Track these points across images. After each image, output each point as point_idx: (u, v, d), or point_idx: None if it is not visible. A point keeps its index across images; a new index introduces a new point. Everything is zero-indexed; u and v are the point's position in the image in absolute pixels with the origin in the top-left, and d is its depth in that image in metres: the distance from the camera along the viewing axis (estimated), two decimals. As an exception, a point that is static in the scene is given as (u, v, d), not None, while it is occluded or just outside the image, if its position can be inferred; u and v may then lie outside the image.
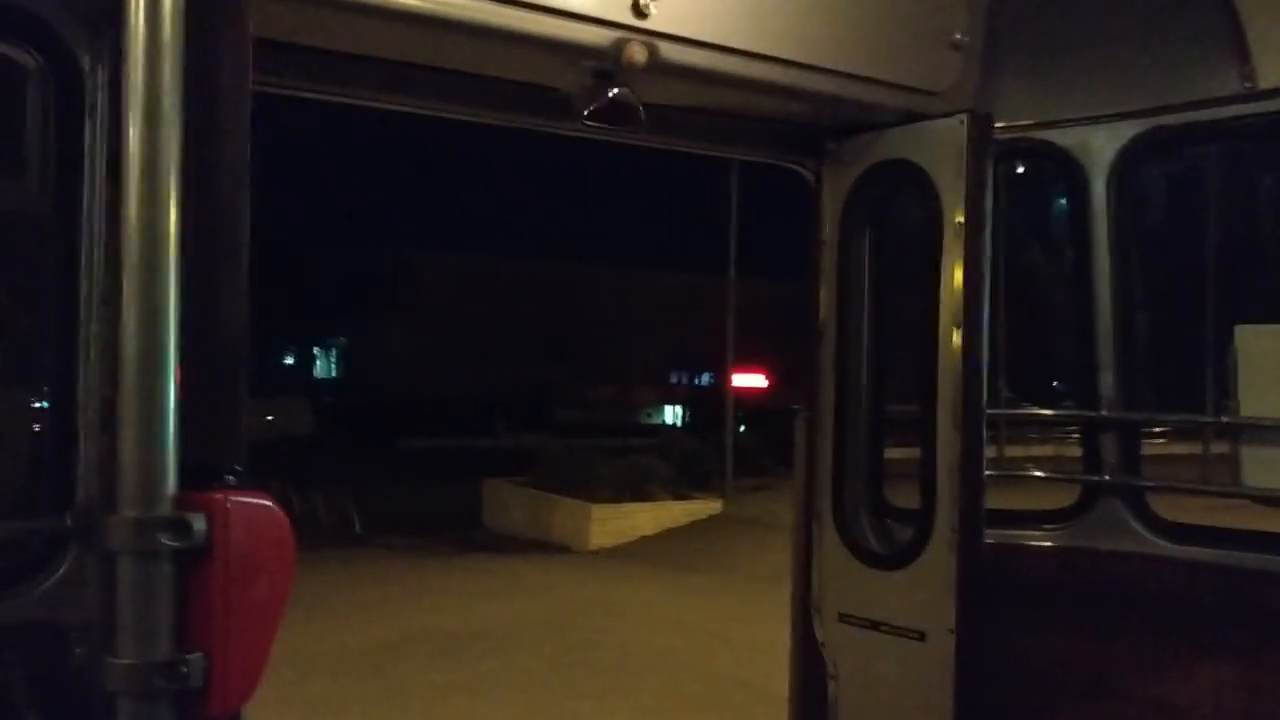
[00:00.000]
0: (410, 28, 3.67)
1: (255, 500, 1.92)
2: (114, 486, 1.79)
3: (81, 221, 3.46)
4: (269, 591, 1.88)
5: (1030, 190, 5.61)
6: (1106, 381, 4.83)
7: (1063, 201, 5.15)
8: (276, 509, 1.92)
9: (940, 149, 4.73)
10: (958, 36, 4.67)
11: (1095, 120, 4.84)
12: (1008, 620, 4.86)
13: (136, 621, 1.77)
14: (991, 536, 4.99)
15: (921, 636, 4.67)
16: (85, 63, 3.45)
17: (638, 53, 3.91)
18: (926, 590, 4.72)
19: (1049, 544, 4.95)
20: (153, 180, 1.82)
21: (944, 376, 4.74)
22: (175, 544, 1.77)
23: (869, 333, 5.08)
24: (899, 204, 5.23)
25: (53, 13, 3.39)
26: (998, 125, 5.01)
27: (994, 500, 5.34)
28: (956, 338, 4.70)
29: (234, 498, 1.86)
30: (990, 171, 4.78)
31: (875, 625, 4.81)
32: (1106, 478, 4.83)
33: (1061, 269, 5.38)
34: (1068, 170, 4.97)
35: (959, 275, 4.73)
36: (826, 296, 5.11)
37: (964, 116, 4.61)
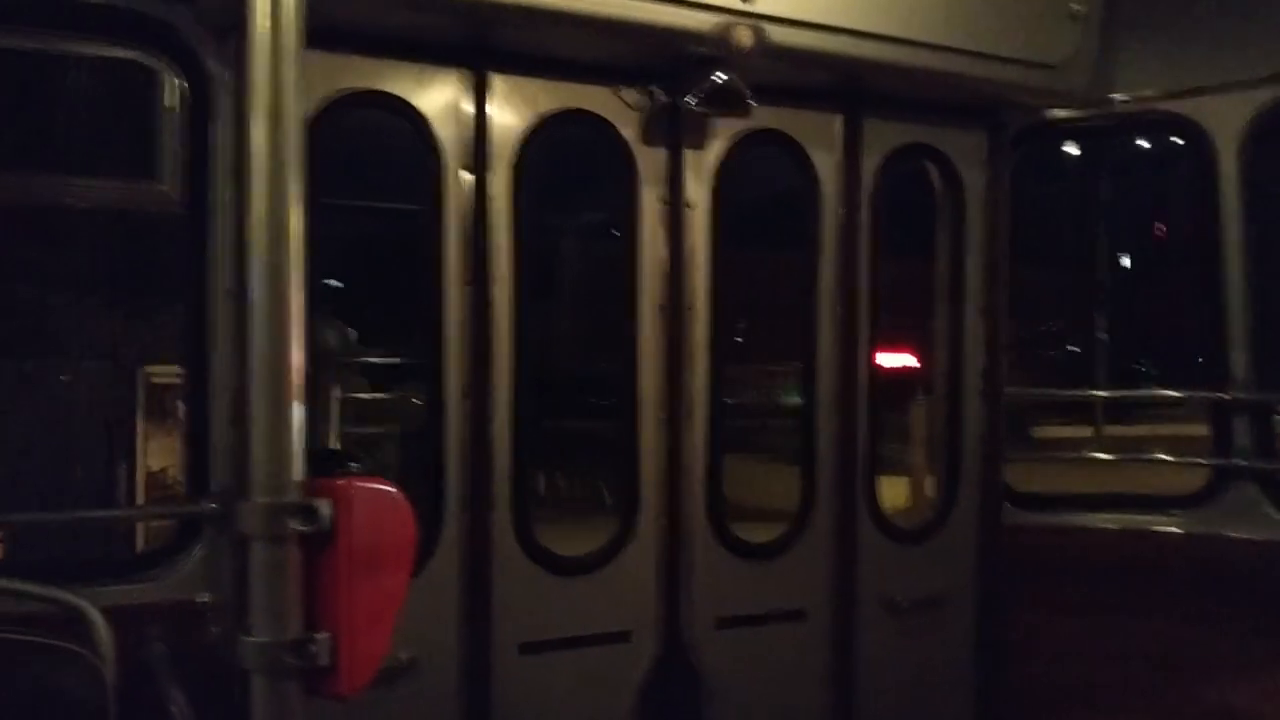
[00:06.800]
0: (519, 19, 3.72)
1: (378, 486, 1.99)
2: (246, 474, 1.87)
3: (210, 219, 3.64)
4: (391, 574, 1.95)
5: (1156, 164, 5.42)
6: (1238, 361, 4.64)
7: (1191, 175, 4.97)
8: (398, 494, 1.98)
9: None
10: (1075, 7, 4.53)
11: (1224, 89, 4.65)
12: (1135, 604, 4.73)
13: (268, 602, 1.84)
14: (1113, 521, 4.87)
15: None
16: (212, 67, 3.62)
17: (744, 36, 3.89)
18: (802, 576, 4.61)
19: (1176, 530, 4.79)
20: (277, 180, 1.89)
21: (969, 357, 4.80)
22: (303, 528, 1.84)
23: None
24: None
25: (183, 20, 3.56)
26: (1121, 98, 4.86)
27: (1118, 483, 5.22)
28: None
29: (357, 484, 1.94)
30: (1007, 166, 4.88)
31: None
32: (1238, 461, 4.65)
33: (1190, 245, 5.19)
34: (1196, 142, 4.78)
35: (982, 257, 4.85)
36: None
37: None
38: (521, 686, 4.07)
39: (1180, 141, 4.92)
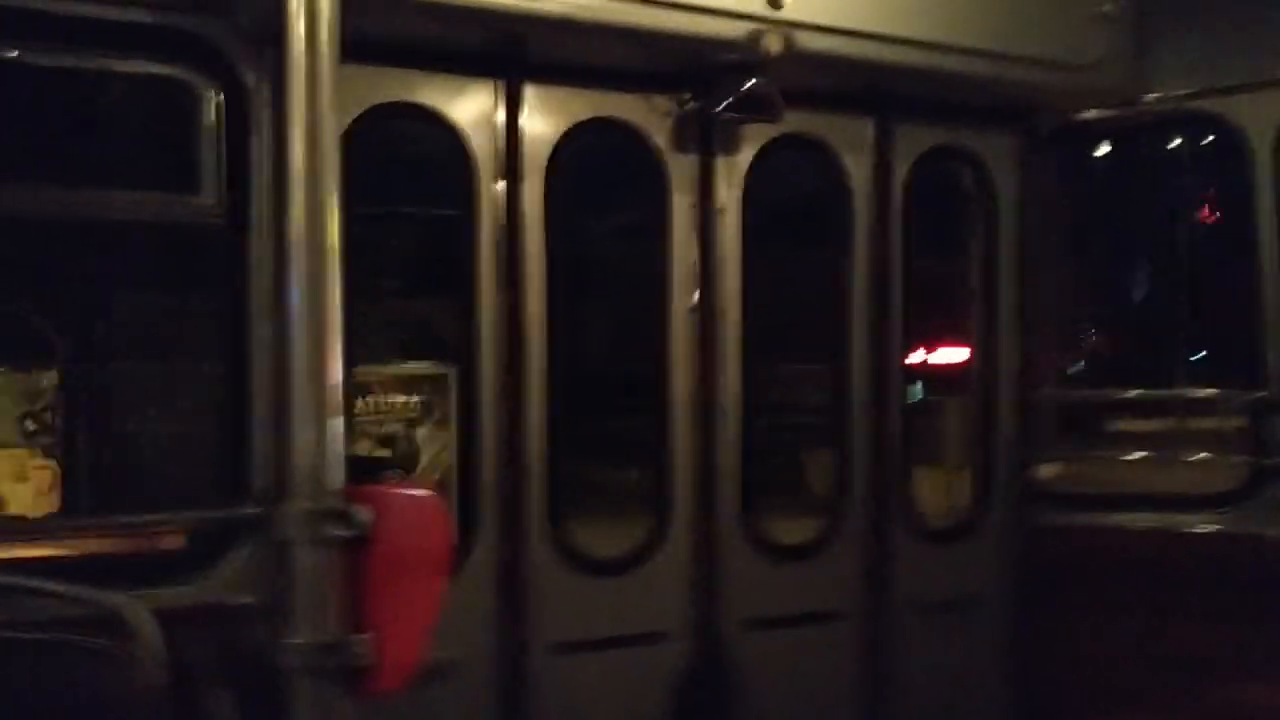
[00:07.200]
0: (552, 30, 3.77)
1: (414, 493, 2.04)
2: (287, 480, 1.92)
3: (250, 230, 3.71)
4: (428, 577, 2.00)
5: (1187, 163, 5.38)
6: (1274, 358, 4.60)
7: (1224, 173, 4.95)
8: (435, 500, 2.03)
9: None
10: (1107, 7, 4.52)
11: (1259, 87, 4.61)
12: (1171, 605, 4.70)
13: (309, 605, 1.90)
14: (1150, 521, 4.84)
15: None
16: (251, 81, 3.69)
17: (774, 43, 3.92)
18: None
19: (1212, 529, 4.75)
20: (315, 192, 1.95)
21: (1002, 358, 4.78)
22: (342, 533, 1.89)
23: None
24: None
25: (221, 36, 3.63)
26: (1154, 97, 4.83)
27: (1156, 482, 5.19)
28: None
29: (395, 490, 1.99)
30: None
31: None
32: (1275, 460, 4.60)
33: (1223, 243, 5.16)
34: (1230, 140, 4.75)
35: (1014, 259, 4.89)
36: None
37: None
38: (555, 687, 4.11)
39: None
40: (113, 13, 3.50)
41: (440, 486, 4.66)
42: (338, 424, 1.91)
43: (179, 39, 3.61)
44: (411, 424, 4.76)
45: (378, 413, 4.67)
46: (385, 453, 4.73)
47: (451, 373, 4.65)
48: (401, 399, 4.73)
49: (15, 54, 3.44)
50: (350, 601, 1.92)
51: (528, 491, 4.06)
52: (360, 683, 1.93)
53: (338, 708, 1.89)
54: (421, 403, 4.71)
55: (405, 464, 4.70)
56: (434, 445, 4.71)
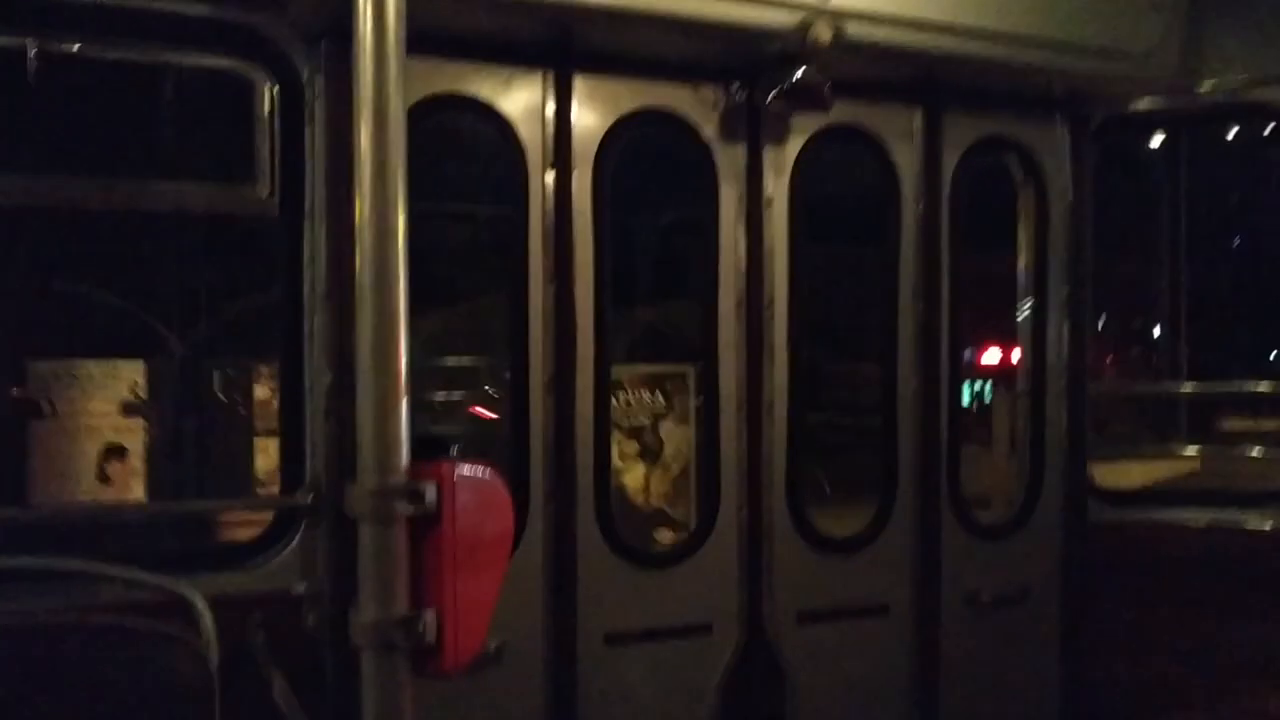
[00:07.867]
0: (604, 21, 3.78)
1: (478, 471, 2.06)
2: (352, 459, 1.95)
3: (304, 221, 3.75)
4: (492, 555, 2.01)
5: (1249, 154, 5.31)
6: None
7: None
8: (497, 479, 2.05)
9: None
10: None
11: None
12: (1225, 603, 4.65)
13: (376, 582, 1.92)
14: (1203, 518, 4.78)
15: None
16: (305, 74, 3.74)
17: (823, 32, 3.91)
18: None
19: (1267, 527, 4.68)
20: (382, 181, 1.97)
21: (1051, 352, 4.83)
22: (409, 510, 1.91)
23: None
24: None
25: (276, 30, 3.68)
26: (1208, 85, 4.77)
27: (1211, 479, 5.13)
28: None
29: (460, 468, 2.00)
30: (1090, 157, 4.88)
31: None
32: None
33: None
34: None
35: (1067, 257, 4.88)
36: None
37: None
38: (605, 676, 4.12)
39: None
40: (170, 6, 3.56)
41: (683, 476, 5.04)
42: (404, 404, 1.94)
43: (235, 33, 3.66)
44: (657, 419, 5.07)
45: (628, 407, 4.96)
46: (635, 446, 5.05)
47: (690, 371, 4.87)
48: (648, 395, 5.06)
49: (76, 48, 3.50)
50: (416, 579, 1.94)
51: (578, 482, 4.08)
52: (426, 660, 1.95)
53: (406, 683, 1.92)
54: (665, 399, 4.99)
55: (650, 455, 5.11)
56: (675, 439, 4.97)
